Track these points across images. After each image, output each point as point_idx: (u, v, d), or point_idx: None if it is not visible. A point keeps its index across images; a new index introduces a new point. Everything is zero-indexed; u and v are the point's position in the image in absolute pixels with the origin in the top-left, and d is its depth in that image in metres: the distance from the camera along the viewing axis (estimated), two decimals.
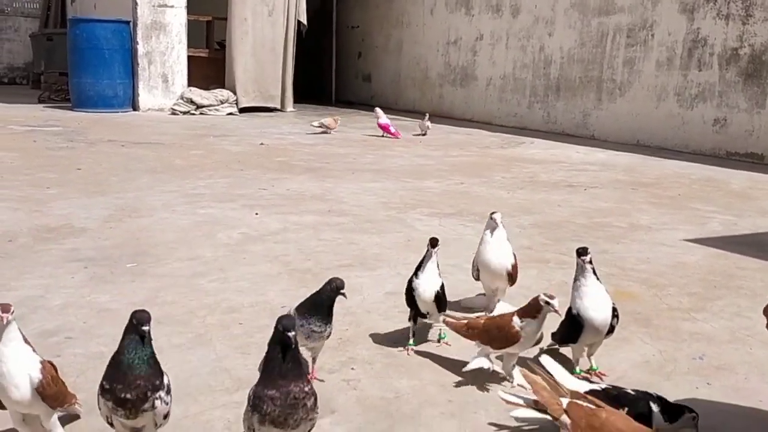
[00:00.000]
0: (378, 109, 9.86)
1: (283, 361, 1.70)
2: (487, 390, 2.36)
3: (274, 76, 13.07)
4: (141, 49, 11.92)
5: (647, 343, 2.81)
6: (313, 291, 3.29)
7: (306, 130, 9.98)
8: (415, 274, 2.64)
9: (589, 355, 2.53)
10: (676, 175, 7.17)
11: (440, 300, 2.62)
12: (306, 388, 1.71)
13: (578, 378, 2.29)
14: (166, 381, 1.82)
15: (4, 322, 1.79)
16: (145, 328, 1.78)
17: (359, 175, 6.55)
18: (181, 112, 11.80)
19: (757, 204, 5.84)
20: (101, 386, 1.77)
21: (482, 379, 2.41)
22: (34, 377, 1.82)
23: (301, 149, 8.20)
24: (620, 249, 4.24)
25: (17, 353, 1.83)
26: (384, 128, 9.59)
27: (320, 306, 2.28)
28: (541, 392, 1.91)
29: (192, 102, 11.95)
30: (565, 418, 1.85)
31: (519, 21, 11.73)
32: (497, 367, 2.43)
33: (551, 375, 2.06)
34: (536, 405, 1.95)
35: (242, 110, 12.46)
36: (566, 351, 2.66)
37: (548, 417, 1.94)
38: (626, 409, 2.04)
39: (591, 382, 2.27)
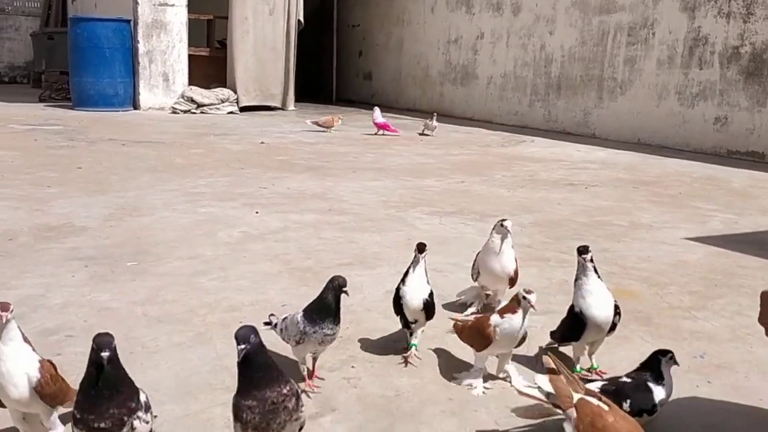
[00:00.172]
0: (376, 108, 9.87)
1: (242, 370, 1.71)
2: (489, 389, 2.36)
3: (275, 75, 13.08)
4: (142, 47, 11.93)
5: (648, 342, 2.80)
6: (313, 290, 3.30)
7: (306, 129, 9.98)
8: (402, 281, 2.56)
9: (590, 354, 2.53)
10: (677, 174, 7.16)
11: (428, 308, 2.54)
12: (284, 390, 1.71)
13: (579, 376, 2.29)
14: (143, 399, 1.74)
15: (3, 320, 1.79)
16: (104, 354, 1.66)
17: (360, 173, 6.55)
18: (181, 110, 11.80)
19: (758, 202, 5.84)
20: (73, 415, 1.68)
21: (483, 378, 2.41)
22: (32, 376, 1.82)
23: (301, 148, 8.20)
24: (621, 247, 4.24)
25: (16, 352, 1.83)
26: (383, 126, 9.57)
27: (329, 308, 2.25)
28: (556, 382, 1.91)
29: (193, 101, 11.95)
30: (572, 411, 1.85)
31: (520, 19, 11.72)
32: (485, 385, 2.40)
33: (567, 370, 2.05)
34: (549, 398, 1.95)
35: (243, 109, 12.46)
36: (566, 349, 2.66)
37: (554, 410, 1.95)
38: (629, 401, 2.06)
39: (589, 381, 2.27)
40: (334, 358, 2.53)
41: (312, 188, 5.74)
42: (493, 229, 2.94)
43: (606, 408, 1.86)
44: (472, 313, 2.99)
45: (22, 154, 6.87)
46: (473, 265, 3.04)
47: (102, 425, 1.65)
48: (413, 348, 2.57)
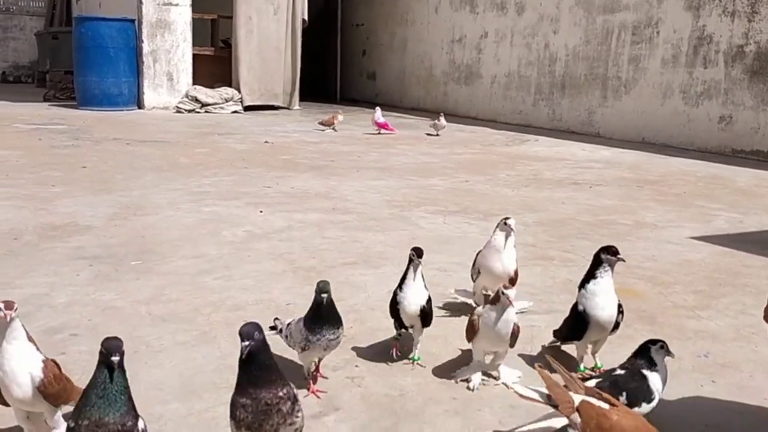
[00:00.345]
0: (378, 109, 9.87)
1: (243, 367, 1.70)
2: (492, 388, 2.36)
3: (280, 75, 13.09)
4: (146, 47, 11.94)
5: None
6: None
7: (310, 128, 9.99)
8: (399, 286, 2.51)
9: (593, 353, 2.52)
10: (682, 173, 7.15)
11: (426, 315, 2.51)
12: (280, 393, 1.70)
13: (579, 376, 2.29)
14: (141, 426, 1.65)
15: (8, 319, 1.79)
16: (115, 358, 1.62)
17: (364, 173, 6.55)
18: (185, 110, 11.82)
19: (763, 202, 5.83)
20: (68, 426, 1.64)
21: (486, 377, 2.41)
22: (35, 376, 1.83)
23: (305, 147, 8.20)
24: (625, 247, 4.21)
25: (20, 351, 1.83)
26: (382, 126, 9.57)
27: (323, 315, 2.21)
28: (554, 389, 1.90)
29: (197, 100, 11.96)
30: (575, 416, 1.84)
31: (524, 18, 11.71)
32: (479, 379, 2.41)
33: (566, 372, 2.05)
34: (550, 400, 1.95)
35: (247, 108, 12.47)
36: (567, 348, 2.65)
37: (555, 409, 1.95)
38: (624, 393, 2.06)
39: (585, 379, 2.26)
40: (338, 357, 2.53)
41: (316, 187, 5.74)
42: (497, 227, 2.91)
43: (608, 407, 1.85)
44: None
45: (27, 154, 6.89)
46: (473, 264, 3.01)
47: None
48: (418, 360, 2.55)
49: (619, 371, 2.16)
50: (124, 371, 1.64)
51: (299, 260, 3.74)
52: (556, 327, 2.65)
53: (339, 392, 2.31)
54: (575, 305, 2.48)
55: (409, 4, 14.50)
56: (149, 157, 7.02)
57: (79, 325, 2.77)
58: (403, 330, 2.55)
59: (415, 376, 2.44)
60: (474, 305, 3.08)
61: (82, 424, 1.59)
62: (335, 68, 16.55)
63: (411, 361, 2.54)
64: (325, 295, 2.18)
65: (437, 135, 9.59)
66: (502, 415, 2.19)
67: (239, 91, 12.48)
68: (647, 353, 2.12)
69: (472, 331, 2.36)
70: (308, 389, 2.28)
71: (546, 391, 1.96)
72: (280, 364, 1.80)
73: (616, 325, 2.47)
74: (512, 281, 2.91)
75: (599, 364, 2.51)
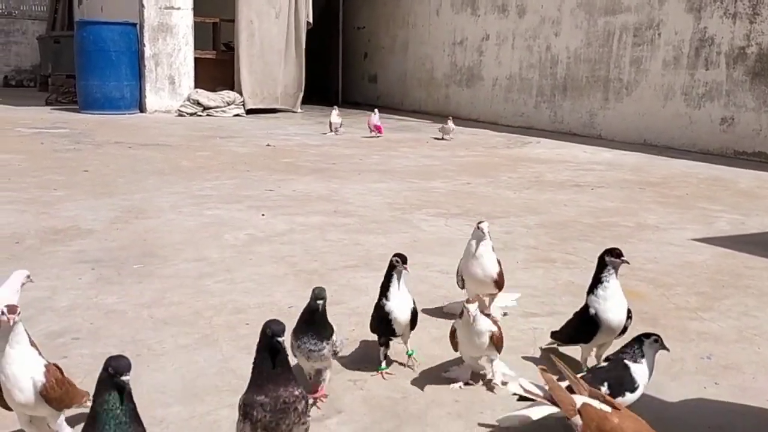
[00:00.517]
0: (376, 111, 9.83)
1: (272, 366, 1.68)
2: (494, 390, 2.36)
3: (282, 78, 13.12)
4: (148, 51, 11.96)
5: None
6: None
7: (312, 131, 10.00)
8: (384, 295, 2.44)
9: (597, 356, 2.52)
10: (684, 175, 7.15)
11: (414, 320, 2.48)
12: (296, 392, 1.70)
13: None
14: None
15: (11, 323, 1.79)
16: (126, 378, 1.54)
17: (365, 175, 6.55)
18: (187, 113, 11.83)
19: (765, 203, 5.82)
20: None
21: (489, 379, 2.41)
22: (37, 381, 1.82)
23: (307, 150, 8.20)
24: (627, 249, 4.18)
25: (22, 356, 1.83)
26: (378, 129, 9.52)
27: (311, 322, 2.15)
28: (556, 391, 1.90)
29: (199, 103, 11.98)
30: (577, 419, 1.84)
31: (525, 21, 11.72)
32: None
33: (569, 372, 2.04)
34: (551, 400, 1.95)
35: (249, 111, 12.49)
36: (567, 350, 2.65)
37: (550, 412, 1.95)
38: (606, 383, 2.07)
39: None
40: (340, 360, 2.53)
41: (318, 190, 5.74)
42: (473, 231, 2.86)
43: (610, 409, 1.85)
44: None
45: (29, 158, 6.90)
46: (457, 272, 2.95)
47: None
48: (412, 355, 2.54)
49: (603, 363, 2.19)
50: (130, 390, 1.58)
51: (301, 263, 3.73)
52: (554, 328, 2.65)
53: (341, 395, 2.31)
54: (585, 308, 2.46)
55: (410, 6, 14.51)
56: (151, 160, 7.03)
57: (81, 328, 2.77)
58: (389, 341, 2.49)
59: (417, 378, 2.44)
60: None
61: None
62: (336, 71, 16.56)
63: (408, 356, 2.54)
64: (320, 302, 2.09)
65: (445, 139, 9.47)
66: (508, 415, 2.18)
67: (241, 95, 12.50)
68: (638, 345, 2.12)
69: (454, 342, 2.36)
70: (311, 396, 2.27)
71: (543, 392, 1.96)
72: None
73: (624, 330, 2.46)
74: (497, 284, 2.86)
75: None
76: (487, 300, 2.97)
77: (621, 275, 3.62)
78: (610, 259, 2.43)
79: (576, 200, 5.66)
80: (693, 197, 5.95)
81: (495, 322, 2.34)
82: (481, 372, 2.42)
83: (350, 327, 2.81)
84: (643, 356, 2.11)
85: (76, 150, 7.56)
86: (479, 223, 2.82)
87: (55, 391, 1.85)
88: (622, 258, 2.43)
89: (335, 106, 10.04)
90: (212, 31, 14.11)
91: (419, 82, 14.41)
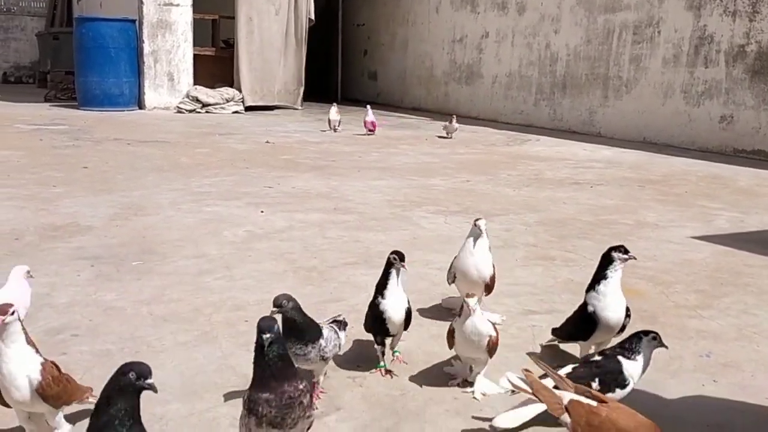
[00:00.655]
0: (369, 107, 9.77)
1: (265, 362, 1.68)
2: (469, 383, 2.36)
3: (281, 75, 13.11)
4: (147, 47, 11.95)
5: None
6: (318, 289, 3.31)
7: (312, 128, 9.99)
8: (381, 294, 2.42)
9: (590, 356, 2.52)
10: (683, 173, 7.15)
11: (408, 318, 2.46)
12: (300, 386, 1.71)
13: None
14: None
15: (5, 322, 1.80)
16: (150, 381, 1.53)
17: (365, 173, 6.55)
18: (186, 110, 11.82)
19: (764, 201, 5.82)
20: None
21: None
22: (33, 378, 1.83)
23: (306, 147, 8.20)
24: (627, 246, 4.22)
25: (19, 354, 1.83)
26: (373, 126, 9.48)
27: (291, 327, 2.12)
28: (542, 392, 1.90)
29: (198, 100, 11.97)
30: (565, 416, 1.84)
31: (525, 18, 11.71)
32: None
33: (553, 371, 2.05)
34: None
35: (248, 108, 12.48)
36: (567, 347, 2.65)
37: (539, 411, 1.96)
38: (597, 379, 2.09)
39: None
40: (339, 357, 2.53)
41: (317, 187, 5.74)
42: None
43: (597, 404, 1.85)
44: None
45: (28, 154, 6.89)
46: (449, 268, 2.91)
47: None
48: (397, 353, 2.52)
49: (597, 357, 2.19)
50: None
51: (300, 260, 3.73)
52: (553, 326, 2.65)
53: (340, 392, 2.31)
54: (584, 305, 2.47)
55: (410, 4, 14.50)
56: (150, 157, 7.02)
57: (80, 325, 2.77)
58: (385, 342, 2.46)
59: (417, 375, 2.44)
60: (451, 308, 3.01)
61: None
62: (336, 68, 16.55)
63: (393, 355, 2.51)
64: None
65: (450, 138, 9.41)
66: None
67: (240, 92, 12.49)
68: (636, 342, 2.12)
69: (450, 341, 2.34)
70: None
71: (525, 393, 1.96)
72: None
73: (623, 328, 2.46)
74: (489, 288, 2.82)
75: None
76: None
77: None
78: (618, 255, 2.43)
79: (575, 198, 5.66)
80: (692, 195, 5.95)
81: (494, 326, 2.32)
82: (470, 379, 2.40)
83: (350, 324, 2.80)
84: (639, 353, 2.11)
85: (75, 147, 7.55)
86: (476, 220, 2.79)
87: (51, 389, 1.85)
88: (630, 254, 2.43)
89: (334, 103, 10.03)
90: (211, 28, 14.09)
91: (419, 80, 14.40)
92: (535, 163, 7.55)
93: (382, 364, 2.47)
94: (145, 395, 1.56)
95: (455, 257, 2.89)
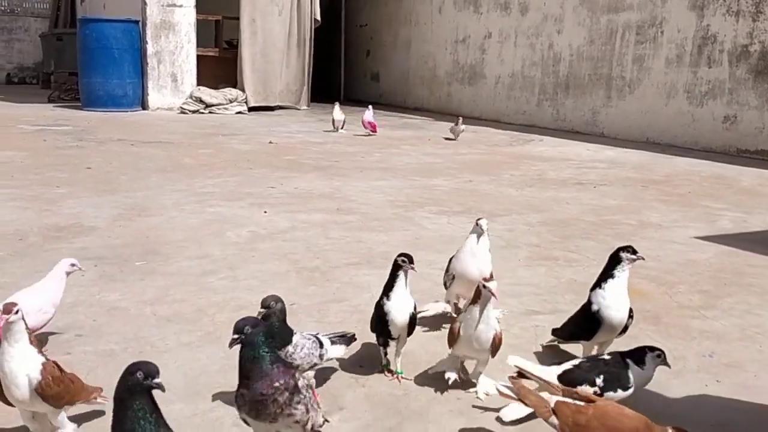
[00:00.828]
0: (370, 107, 9.77)
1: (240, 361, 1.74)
2: (462, 379, 2.36)
3: (284, 75, 13.13)
4: (150, 48, 11.96)
5: (657, 341, 2.80)
6: (321, 289, 3.31)
7: (314, 129, 9.99)
8: (386, 295, 2.39)
9: (598, 354, 2.52)
10: (686, 173, 7.14)
11: (413, 323, 2.42)
12: (276, 384, 1.75)
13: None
14: None
15: (5, 322, 1.81)
16: (158, 380, 1.54)
17: (367, 173, 6.55)
18: (190, 111, 11.83)
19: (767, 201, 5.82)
20: None
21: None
22: (33, 378, 1.84)
23: (309, 148, 8.21)
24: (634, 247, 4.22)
25: (20, 353, 1.84)
26: (372, 126, 9.47)
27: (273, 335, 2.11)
28: (529, 397, 1.91)
29: (201, 101, 11.98)
30: (553, 419, 1.85)
31: (528, 19, 11.71)
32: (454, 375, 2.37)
33: (538, 376, 2.06)
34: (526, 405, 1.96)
35: (251, 109, 12.49)
36: (567, 348, 2.65)
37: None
38: (602, 377, 2.10)
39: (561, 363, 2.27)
40: (342, 358, 2.54)
41: (320, 188, 5.74)
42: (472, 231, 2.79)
43: (582, 403, 1.86)
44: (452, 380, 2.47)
45: (32, 155, 6.90)
46: (446, 270, 2.86)
47: None
48: (401, 374, 2.45)
49: (606, 356, 2.20)
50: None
51: (303, 261, 3.74)
52: (553, 325, 2.66)
53: (343, 392, 2.31)
54: (588, 304, 2.47)
55: (412, 4, 14.50)
56: (153, 158, 7.03)
57: (84, 325, 2.78)
58: (388, 343, 2.44)
59: (419, 375, 2.44)
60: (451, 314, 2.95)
61: None
62: (339, 68, 16.55)
63: (394, 375, 2.44)
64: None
65: (456, 139, 9.31)
66: (502, 414, 2.18)
67: (243, 92, 12.51)
68: (641, 355, 2.13)
69: (453, 338, 2.32)
70: None
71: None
72: None
73: (625, 328, 2.46)
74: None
75: None
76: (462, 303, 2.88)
77: None
78: (626, 255, 2.43)
79: (578, 198, 5.66)
80: (696, 195, 5.94)
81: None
82: (462, 378, 2.39)
83: (353, 324, 2.81)
84: (644, 364, 2.12)
85: (79, 147, 7.56)
86: (478, 219, 2.78)
87: (51, 389, 1.85)
88: (638, 255, 2.44)
89: (337, 103, 10.03)
90: (215, 29, 14.10)
91: (422, 80, 14.40)
92: (538, 163, 7.55)
93: (384, 363, 2.46)
94: None
95: (452, 258, 2.85)
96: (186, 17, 12.15)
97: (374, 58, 16.00)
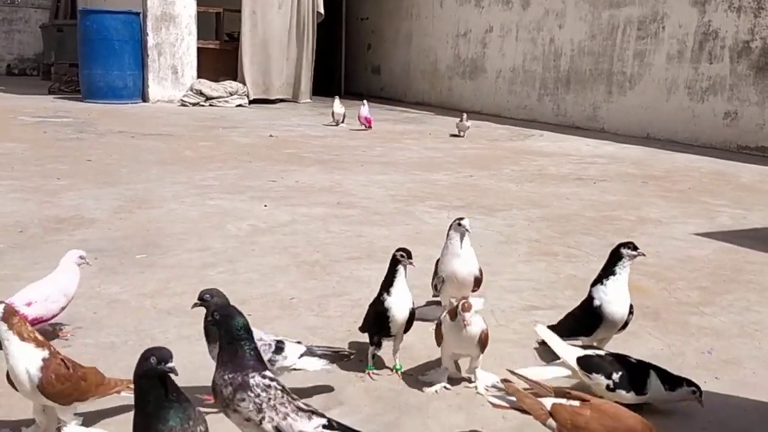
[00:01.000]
0: (365, 102, 9.72)
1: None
2: (448, 389, 2.35)
3: (285, 69, 13.11)
4: (151, 40, 11.94)
5: (656, 337, 2.81)
6: (321, 283, 3.32)
7: (315, 122, 9.99)
8: (387, 290, 2.38)
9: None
10: (686, 169, 7.14)
11: (411, 319, 2.41)
12: (225, 377, 1.78)
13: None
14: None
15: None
16: (171, 364, 1.56)
17: (368, 167, 6.55)
18: (190, 103, 11.82)
19: (767, 198, 5.82)
20: None
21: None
22: (33, 375, 1.84)
23: (310, 141, 8.20)
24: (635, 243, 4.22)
25: (18, 350, 1.84)
26: (368, 121, 9.43)
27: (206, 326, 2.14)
28: (524, 400, 1.92)
29: (201, 93, 11.96)
30: (551, 421, 1.86)
31: (529, 13, 11.69)
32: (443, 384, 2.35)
33: (532, 379, 2.08)
34: (521, 409, 1.96)
35: (252, 102, 12.48)
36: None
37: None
38: (620, 373, 2.14)
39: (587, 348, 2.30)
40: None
41: (320, 181, 5.74)
42: (450, 229, 2.74)
43: (578, 403, 1.87)
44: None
45: (32, 146, 6.90)
46: (435, 274, 2.83)
47: None
48: (400, 369, 2.45)
49: (632, 359, 2.23)
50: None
51: (303, 254, 3.74)
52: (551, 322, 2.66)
53: (343, 386, 2.32)
54: (589, 300, 2.47)
55: None
56: (154, 150, 7.03)
57: (85, 318, 2.78)
58: (382, 342, 2.42)
59: (418, 370, 2.45)
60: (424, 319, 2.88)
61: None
62: (340, 62, 16.52)
63: (394, 371, 2.44)
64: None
65: (462, 136, 9.17)
66: (504, 411, 2.19)
67: (244, 85, 12.49)
68: (676, 382, 2.19)
69: (439, 338, 2.33)
70: None
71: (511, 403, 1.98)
72: None
73: (625, 325, 2.47)
74: (479, 282, 2.77)
75: None
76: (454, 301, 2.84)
77: None
78: (627, 252, 2.44)
79: (578, 194, 5.67)
80: (695, 191, 5.95)
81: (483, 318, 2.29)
82: (457, 376, 2.39)
83: (353, 319, 2.81)
84: (673, 390, 2.17)
85: (79, 139, 7.56)
86: (460, 219, 2.70)
87: (53, 387, 1.84)
88: (639, 251, 2.45)
89: (337, 97, 10.01)
90: (215, 21, 14.08)
91: (423, 74, 14.38)
92: (539, 158, 7.55)
93: (370, 366, 2.43)
94: None
95: (438, 262, 2.80)
96: (187, 9, 12.12)
97: (375, 51, 15.97)
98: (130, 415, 2.03)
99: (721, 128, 8.73)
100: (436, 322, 2.36)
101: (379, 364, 2.48)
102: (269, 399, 1.76)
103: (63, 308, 2.55)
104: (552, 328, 2.64)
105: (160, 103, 11.92)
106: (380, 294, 2.40)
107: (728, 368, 2.56)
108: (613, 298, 2.42)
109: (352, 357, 2.28)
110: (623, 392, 2.12)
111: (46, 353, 1.87)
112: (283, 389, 1.81)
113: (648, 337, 2.81)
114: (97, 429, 1.97)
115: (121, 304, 2.95)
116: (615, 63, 10.17)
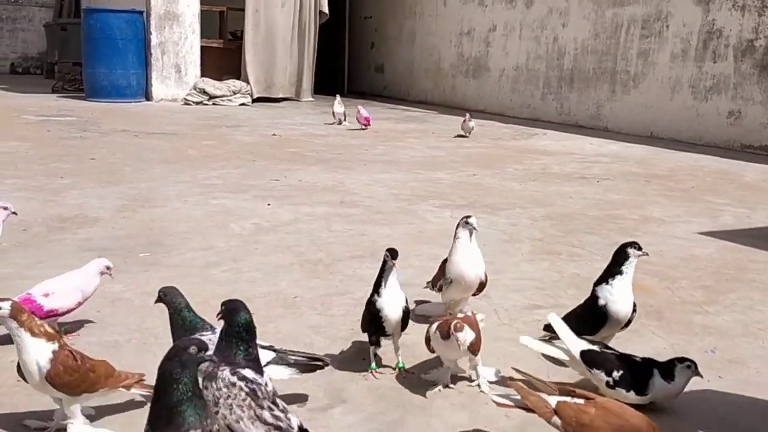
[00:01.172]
0: (360, 107, 9.67)
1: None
2: (451, 387, 2.35)
3: (288, 67, 13.12)
4: (154, 39, 11.95)
5: (659, 336, 2.80)
6: (324, 282, 3.32)
7: (318, 121, 9.99)
8: (377, 291, 2.37)
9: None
10: (690, 168, 7.13)
11: (406, 318, 2.40)
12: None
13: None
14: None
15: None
16: (210, 353, 1.58)
17: (371, 166, 6.55)
18: (193, 102, 11.84)
19: None
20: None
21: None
22: (42, 367, 1.86)
23: (313, 140, 8.21)
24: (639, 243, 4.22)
25: (28, 343, 1.87)
26: (367, 120, 9.37)
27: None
28: (529, 398, 1.92)
29: (205, 92, 11.98)
30: (555, 419, 1.86)
31: (533, 11, 11.67)
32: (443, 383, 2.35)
33: (534, 377, 2.08)
34: (526, 407, 1.96)
35: (255, 100, 12.49)
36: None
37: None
38: (621, 372, 2.14)
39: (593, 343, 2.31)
40: (346, 350, 2.54)
41: (323, 180, 5.75)
42: (458, 227, 2.68)
43: (583, 401, 1.87)
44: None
45: (36, 145, 6.91)
46: (438, 274, 2.78)
47: None
48: (403, 367, 2.44)
49: (636, 358, 2.23)
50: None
51: (307, 253, 3.75)
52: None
53: (346, 385, 2.32)
54: (594, 299, 2.47)
55: None
56: (157, 149, 7.04)
57: (88, 316, 2.78)
58: (381, 341, 2.42)
59: (422, 368, 2.45)
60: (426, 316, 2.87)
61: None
62: (343, 61, 16.53)
63: (397, 369, 2.43)
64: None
65: (467, 136, 9.02)
66: (508, 409, 2.19)
67: (247, 84, 12.51)
68: (670, 367, 2.18)
69: (430, 348, 2.34)
70: None
71: (516, 402, 1.98)
72: None
73: (628, 323, 2.47)
74: (483, 285, 2.74)
75: None
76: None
77: None
78: (632, 251, 2.45)
79: (582, 192, 5.66)
80: (699, 190, 5.94)
81: (475, 324, 2.28)
82: (461, 374, 2.39)
83: (356, 317, 2.81)
84: (672, 378, 2.16)
85: (83, 138, 7.57)
86: (467, 217, 2.66)
87: (61, 378, 1.87)
88: (643, 251, 2.47)
89: (337, 95, 10.01)
90: (219, 20, 14.09)
91: (426, 73, 14.37)
92: (542, 157, 7.54)
93: (373, 365, 2.42)
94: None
95: (444, 262, 2.76)
96: (190, 8, 12.14)
97: (378, 50, 15.97)
98: (135, 413, 2.05)
99: (725, 127, 8.72)
100: (425, 335, 2.33)
101: (382, 362, 2.48)
102: (228, 397, 1.73)
103: (79, 304, 2.59)
104: (547, 328, 2.64)
105: (164, 102, 11.93)
106: (372, 295, 2.39)
107: (732, 367, 2.56)
108: (619, 297, 2.42)
109: (327, 365, 2.17)
110: (623, 391, 2.12)
111: (55, 346, 1.90)
112: (253, 393, 1.74)
113: (651, 336, 2.81)
114: (102, 429, 1.98)
115: (124, 302, 2.96)
116: (619, 62, 10.16)
